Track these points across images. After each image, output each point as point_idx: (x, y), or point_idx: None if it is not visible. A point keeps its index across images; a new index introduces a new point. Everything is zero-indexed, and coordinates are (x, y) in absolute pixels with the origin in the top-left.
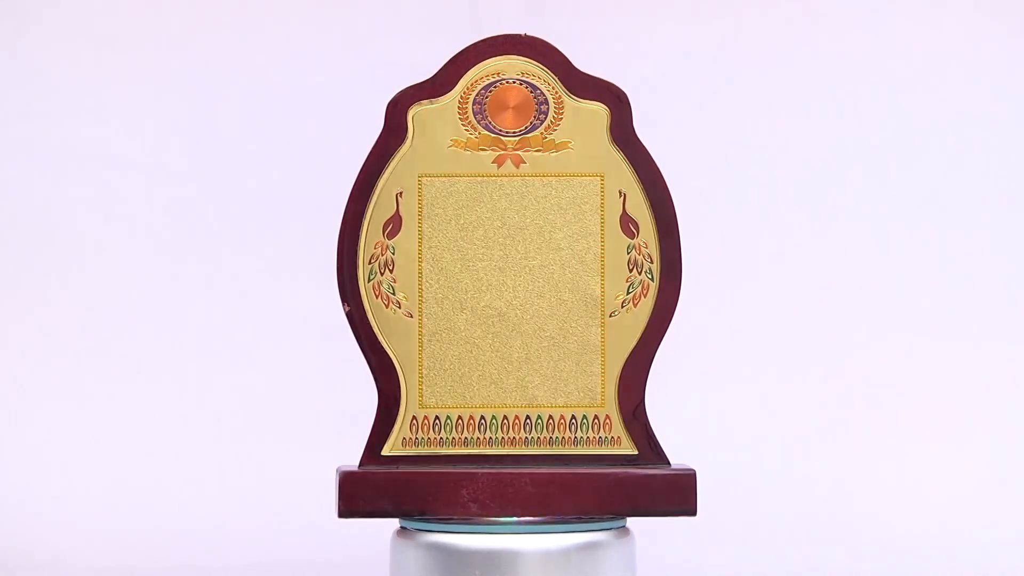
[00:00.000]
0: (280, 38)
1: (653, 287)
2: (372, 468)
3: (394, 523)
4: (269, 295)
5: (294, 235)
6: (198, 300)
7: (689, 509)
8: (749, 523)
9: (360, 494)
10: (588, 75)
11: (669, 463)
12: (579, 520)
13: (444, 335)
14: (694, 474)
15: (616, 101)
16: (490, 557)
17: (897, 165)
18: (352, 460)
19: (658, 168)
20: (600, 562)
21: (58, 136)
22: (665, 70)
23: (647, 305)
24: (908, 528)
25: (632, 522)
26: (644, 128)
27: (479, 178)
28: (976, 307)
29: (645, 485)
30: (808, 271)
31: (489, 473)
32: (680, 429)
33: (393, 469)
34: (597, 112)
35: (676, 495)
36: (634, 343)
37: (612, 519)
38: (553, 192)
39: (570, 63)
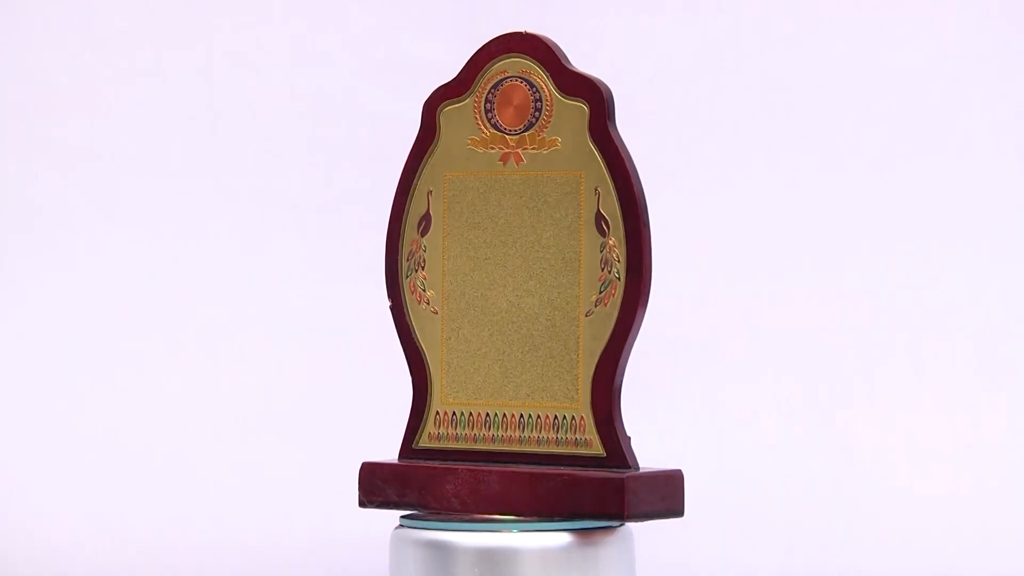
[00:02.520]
0: (279, 37)
1: (620, 286)
2: (406, 461)
3: (394, 520)
4: (275, 294)
5: (294, 234)
6: (205, 300)
7: (618, 514)
8: (750, 522)
9: (374, 485)
10: (573, 71)
11: (632, 466)
12: (579, 518)
13: (460, 332)
14: (623, 480)
15: (595, 97)
16: (488, 555)
17: (898, 165)
18: (355, 458)
19: (626, 164)
20: (599, 561)
21: (58, 135)
22: (667, 66)
23: (615, 305)
24: (906, 527)
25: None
26: (645, 125)
27: (488, 176)
28: (973, 303)
29: (583, 488)
30: (806, 269)
31: (468, 469)
32: (682, 429)
33: (406, 463)
34: (580, 109)
35: (607, 499)
36: (604, 344)
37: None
38: (544, 190)
39: (558, 59)
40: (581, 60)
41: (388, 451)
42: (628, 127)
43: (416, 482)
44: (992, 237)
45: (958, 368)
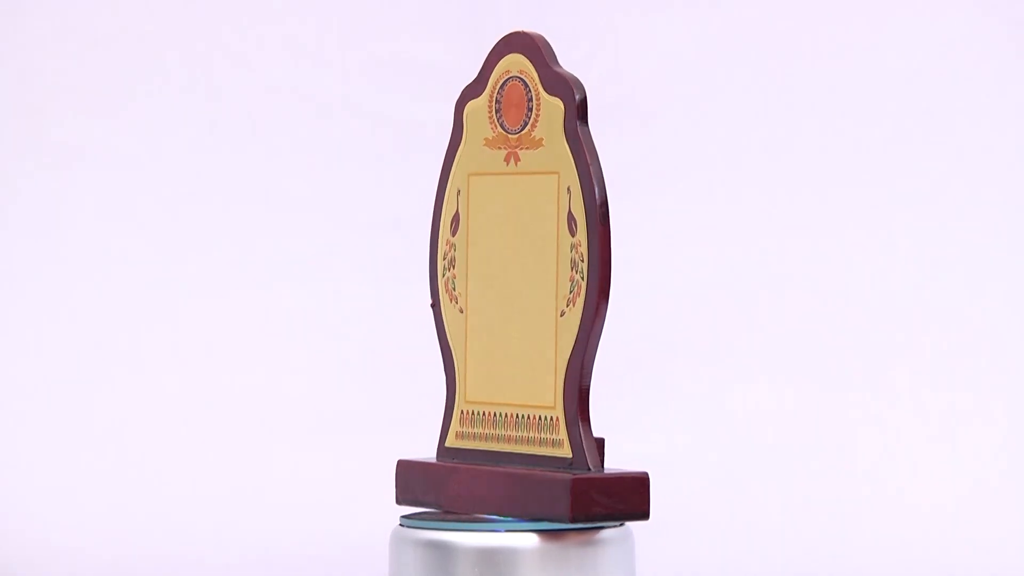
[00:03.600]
0: (279, 37)
1: (583, 287)
2: (441, 460)
3: (395, 520)
4: (274, 293)
5: (293, 234)
6: (202, 300)
7: (561, 516)
8: (750, 523)
9: (406, 483)
10: (555, 70)
11: (592, 468)
12: (538, 519)
13: (477, 331)
14: (569, 481)
15: (569, 95)
16: (488, 555)
17: (898, 165)
18: (355, 459)
19: (588, 162)
20: (599, 561)
21: (58, 135)
22: (667, 66)
23: (579, 306)
24: (905, 529)
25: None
26: (645, 125)
27: (496, 176)
28: (973, 303)
29: (538, 489)
30: (805, 270)
31: (465, 469)
32: (682, 430)
33: (429, 461)
34: (558, 107)
35: (557, 501)
36: (572, 344)
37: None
38: (531, 189)
39: (544, 58)
40: (582, 60)
41: (423, 449)
42: (628, 127)
43: (434, 481)
44: (993, 238)
45: (957, 369)
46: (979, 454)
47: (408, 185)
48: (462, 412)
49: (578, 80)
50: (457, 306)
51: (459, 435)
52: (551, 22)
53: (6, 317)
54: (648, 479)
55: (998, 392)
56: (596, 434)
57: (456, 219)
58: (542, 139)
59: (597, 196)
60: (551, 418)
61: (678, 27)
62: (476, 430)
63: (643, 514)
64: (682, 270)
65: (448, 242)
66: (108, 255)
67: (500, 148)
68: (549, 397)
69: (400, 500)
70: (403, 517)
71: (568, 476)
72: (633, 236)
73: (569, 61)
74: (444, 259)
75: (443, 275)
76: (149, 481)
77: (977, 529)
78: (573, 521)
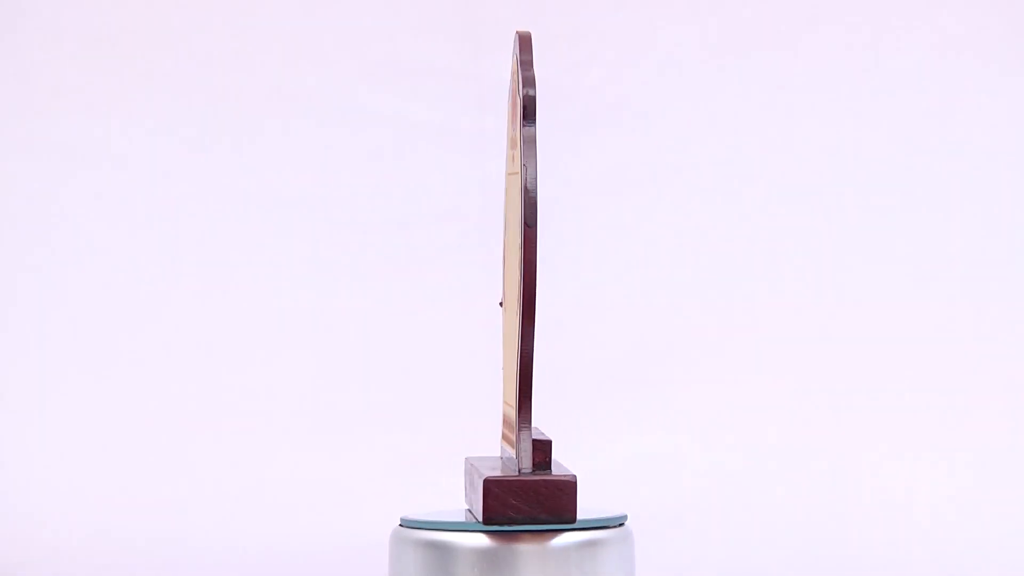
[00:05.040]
0: (279, 37)
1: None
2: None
3: (395, 520)
4: (275, 294)
5: (292, 234)
6: (203, 298)
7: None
8: (749, 523)
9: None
10: (522, 70)
11: (521, 469)
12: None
13: (504, 330)
14: (483, 482)
15: (521, 95)
16: (488, 555)
17: (897, 165)
18: (352, 459)
19: (524, 163)
20: (599, 560)
21: (58, 135)
22: (666, 66)
23: (519, 305)
24: (899, 532)
25: (632, 521)
26: (644, 125)
27: (508, 176)
28: (972, 304)
29: (474, 489)
30: (801, 270)
31: (473, 467)
32: (680, 429)
33: (474, 461)
34: (518, 107)
35: (478, 502)
36: (514, 344)
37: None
38: (514, 189)
39: (521, 57)
40: (582, 60)
41: (421, 449)
42: (628, 127)
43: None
44: (993, 238)
45: (957, 369)
46: (979, 454)
47: (408, 185)
48: (503, 413)
49: (532, 79)
50: (505, 305)
51: (502, 435)
52: (551, 22)
53: (5, 317)
54: (575, 483)
55: (998, 392)
56: (595, 435)
57: (503, 219)
58: (518, 140)
59: (528, 197)
60: (513, 419)
61: (678, 27)
62: (504, 431)
63: (569, 519)
64: (681, 270)
65: (503, 242)
66: (108, 255)
67: (512, 148)
68: (513, 398)
69: (466, 500)
70: (403, 517)
71: (482, 477)
72: (632, 236)
73: (569, 61)
74: (502, 258)
75: (503, 274)
76: (149, 480)
77: (977, 529)
78: (488, 523)
